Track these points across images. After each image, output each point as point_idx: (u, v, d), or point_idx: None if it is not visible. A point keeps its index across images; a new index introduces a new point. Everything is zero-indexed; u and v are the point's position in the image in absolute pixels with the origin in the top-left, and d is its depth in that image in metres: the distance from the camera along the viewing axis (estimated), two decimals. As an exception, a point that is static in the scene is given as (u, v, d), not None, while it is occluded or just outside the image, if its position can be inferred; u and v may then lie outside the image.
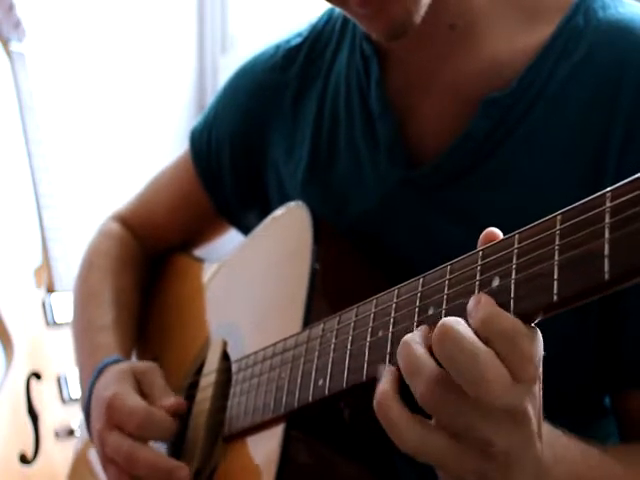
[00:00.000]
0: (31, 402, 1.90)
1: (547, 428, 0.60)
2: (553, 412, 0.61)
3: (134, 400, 0.87)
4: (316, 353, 0.72)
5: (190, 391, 0.96)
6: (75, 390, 1.95)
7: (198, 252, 1.20)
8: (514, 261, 0.55)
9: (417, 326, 0.60)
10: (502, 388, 0.53)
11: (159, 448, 0.91)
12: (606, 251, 0.49)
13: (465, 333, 0.54)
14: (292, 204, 0.90)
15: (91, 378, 0.96)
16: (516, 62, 0.81)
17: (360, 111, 0.91)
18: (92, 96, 2.38)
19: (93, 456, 1.06)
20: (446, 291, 0.60)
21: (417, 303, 0.62)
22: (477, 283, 0.57)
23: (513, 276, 0.55)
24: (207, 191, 1.11)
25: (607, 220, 0.49)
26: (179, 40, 2.61)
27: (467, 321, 0.55)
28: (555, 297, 0.52)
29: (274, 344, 0.80)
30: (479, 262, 0.58)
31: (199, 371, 0.97)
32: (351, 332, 0.68)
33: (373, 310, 0.67)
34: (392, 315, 0.64)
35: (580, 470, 0.65)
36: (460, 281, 0.59)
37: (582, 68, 0.79)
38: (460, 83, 0.84)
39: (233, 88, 1.09)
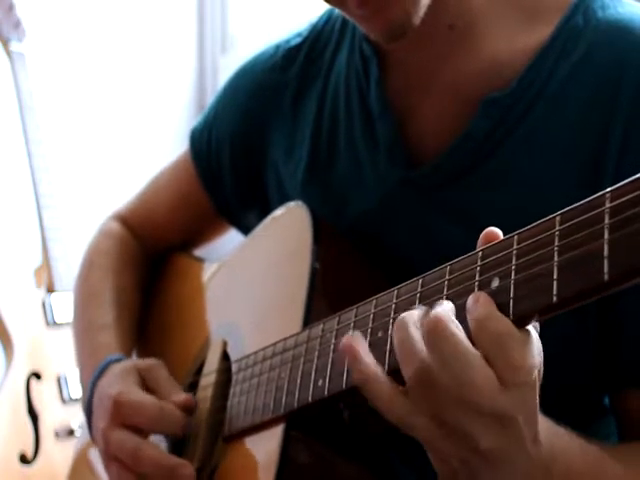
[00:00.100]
0: (31, 402, 1.90)
1: (546, 425, 0.60)
2: (553, 412, 0.61)
3: (142, 395, 0.87)
4: (316, 353, 0.73)
5: (190, 391, 0.96)
6: (75, 390, 1.95)
7: (198, 252, 1.20)
8: (513, 262, 0.55)
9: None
10: (488, 391, 0.53)
11: (161, 447, 0.91)
12: (605, 252, 0.49)
13: (455, 330, 0.54)
14: (292, 204, 0.90)
15: (92, 377, 0.96)
16: (516, 62, 0.81)
17: (360, 111, 0.91)
18: (92, 96, 2.38)
19: (94, 456, 1.06)
20: (445, 292, 0.60)
21: (417, 304, 0.62)
22: (476, 284, 0.57)
23: (512, 277, 0.55)
24: (207, 191, 1.11)
25: (607, 221, 0.49)
26: (179, 40, 2.61)
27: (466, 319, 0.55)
28: (555, 298, 0.52)
29: (274, 344, 0.80)
30: (478, 263, 0.58)
31: (199, 371, 0.97)
32: (351, 332, 0.68)
33: (373, 310, 0.67)
34: (392, 316, 0.64)
35: (580, 470, 0.65)
36: (460, 282, 0.59)
37: (582, 68, 0.79)
38: (460, 83, 0.84)
39: (233, 88, 1.09)
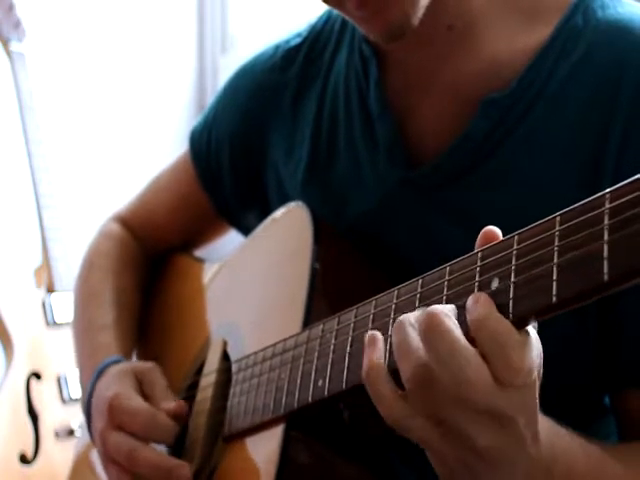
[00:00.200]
0: (31, 402, 1.90)
1: (547, 425, 0.60)
2: (553, 412, 0.61)
3: (136, 401, 0.87)
4: (316, 354, 0.73)
5: (190, 391, 0.96)
6: (75, 390, 1.95)
7: (198, 252, 1.20)
8: (513, 262, 0.55)
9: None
10: (483, 390, 0.54)
11: (159, 448, 0.91)
12: (605, 253, 0.49)
13: (451, 326, 0.54)
14: (292, 204, 0.90)
15: (92, 378, 0.96)
16: (515, 62, 0.81)
17: (359, 111, 0.91)
18: (92, 96, 2.38)
19: (95, 457, 1.06)
20: (445, 292, 0.60)
21: (416, 304, 0.62)
22: (476, 284, 0.57)
23: (512, 277, 0.55)
24: (207, 192, 1.11)
25: (606, 221, 0.49)
26: (179, 40, 2.60)
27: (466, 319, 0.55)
28: (554, 298, 0.52)
29: (274, 344, 0.80)
30: (478, 263, 0.58)
31: (199, 371, 0.97)
32: (351, 333, 0.69)
33: (372, 311, 0.67)
34: (391, 316, 0.64)
35: (581, 470, 0.65)
36: (459, 282, 0.59)
37: (581, 68, 0.79)
38: (459, 83, 0.84)
39: (233, 88, 1.09)
